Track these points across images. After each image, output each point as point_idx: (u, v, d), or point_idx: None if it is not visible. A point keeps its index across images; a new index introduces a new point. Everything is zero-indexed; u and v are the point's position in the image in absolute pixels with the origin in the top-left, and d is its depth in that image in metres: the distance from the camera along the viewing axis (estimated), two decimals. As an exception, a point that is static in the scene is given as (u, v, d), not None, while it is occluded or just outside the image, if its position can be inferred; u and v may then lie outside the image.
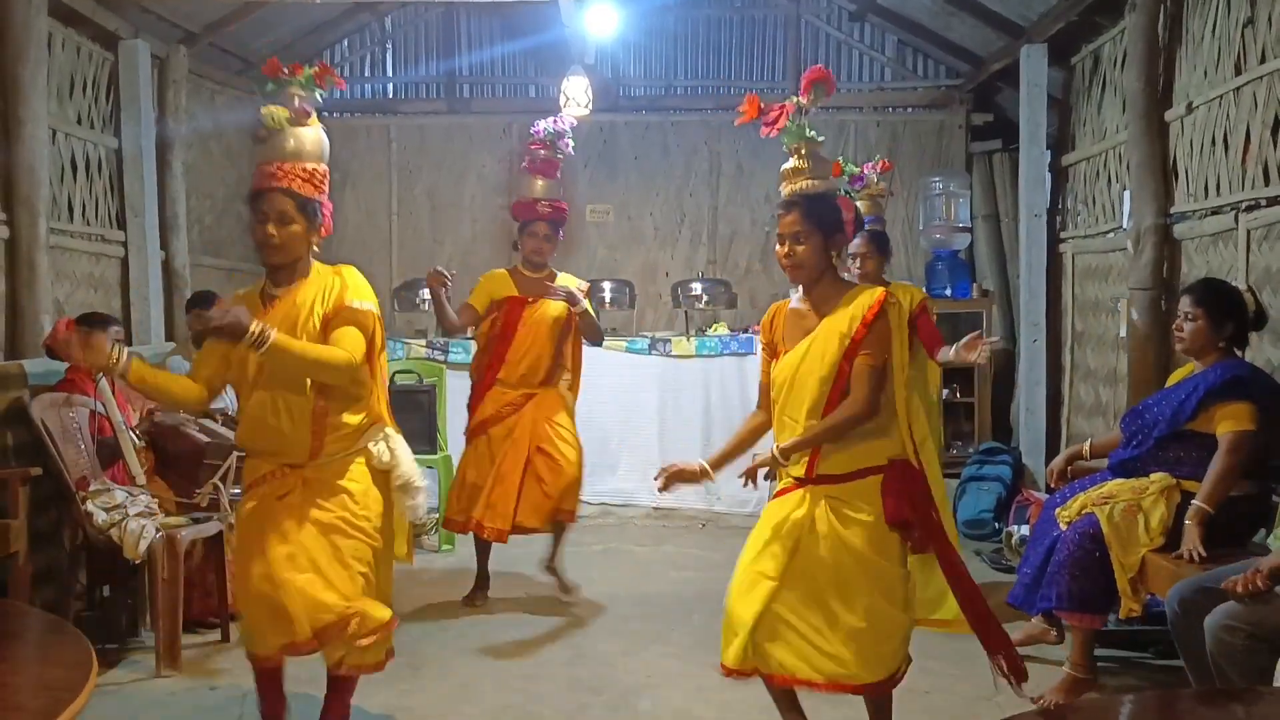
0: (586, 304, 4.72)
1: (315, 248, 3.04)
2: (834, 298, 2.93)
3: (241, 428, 3.09)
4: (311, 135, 3.07)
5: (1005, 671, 2.91)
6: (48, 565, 4.19)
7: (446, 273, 4.48)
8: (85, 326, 4.09)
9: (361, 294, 3.02)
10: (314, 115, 3.11)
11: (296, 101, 3.08)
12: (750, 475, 2.90)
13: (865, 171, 4.81)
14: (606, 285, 7.19)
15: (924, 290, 4.70)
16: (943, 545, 2.92)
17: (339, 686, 3.10)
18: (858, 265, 4.46)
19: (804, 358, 2.89)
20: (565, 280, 4.78)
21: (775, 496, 3.00)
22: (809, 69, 3.16)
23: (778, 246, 2.98)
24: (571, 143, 5.02)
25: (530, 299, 4.69)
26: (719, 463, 3.07)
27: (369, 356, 3.00)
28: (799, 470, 2.91)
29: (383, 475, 3.05)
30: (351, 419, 3.00)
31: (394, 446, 3.07)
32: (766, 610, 2.83)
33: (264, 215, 2.96)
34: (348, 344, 2.90)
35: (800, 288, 3.02)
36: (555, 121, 4.97)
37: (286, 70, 3.12)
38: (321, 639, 2.91)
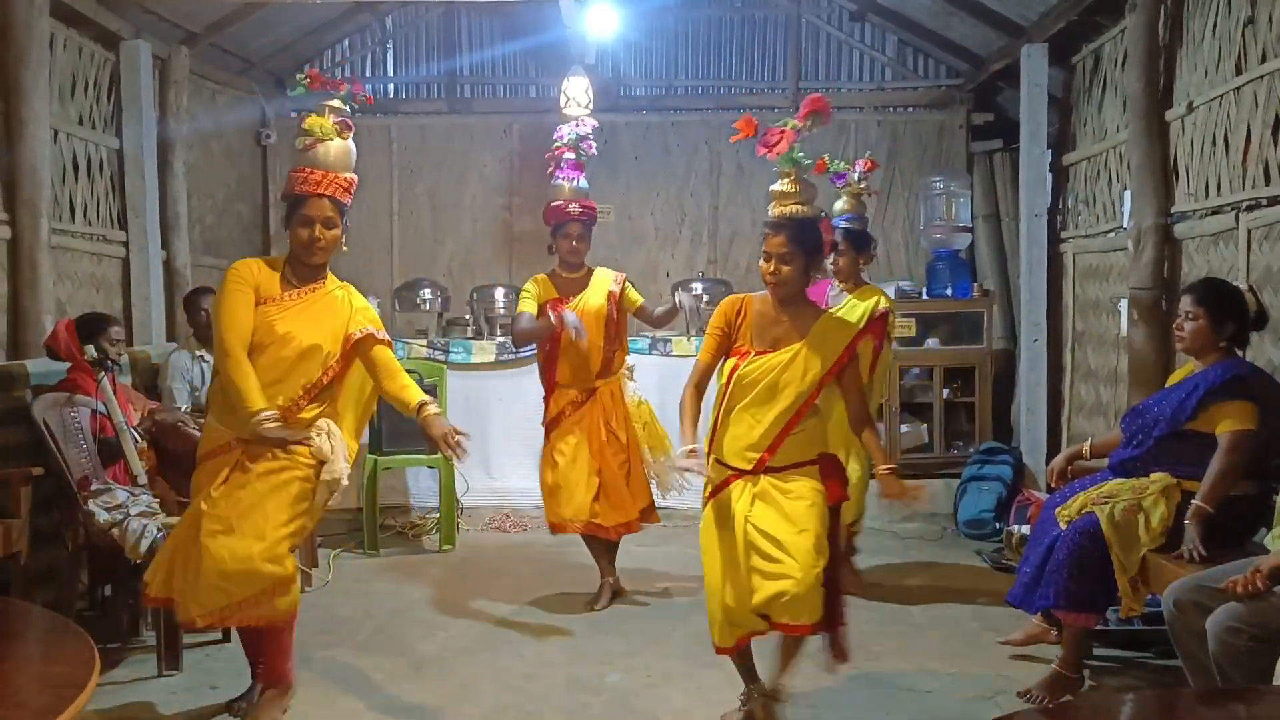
0: (627, 296, 4.86)
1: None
2: (809, 316, 3.26)
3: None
4: (349, 147, 3.46)
5: (831, 646, 3.25)
6: (49, 565, 4.20)
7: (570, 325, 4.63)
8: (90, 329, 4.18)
9: (377, 321, 3.47)
10: (352, 132, 3.47)
11: (333, 116, 3.42)
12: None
13: (852, 170, 4.93)
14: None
15: (890, 299, 4.72)
16: (835, 527, 3.25)
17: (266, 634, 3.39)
18: (832, 262, 4.62)
19: (785, 367, 3.19)
20: (602, 275, 4.89)
21: (713, 494, 3.26)
22: (809, 97, 3.38)
23: (763, 263, 3.26)
24: (594, 143, 5.10)
25: (569, 297, 4.81)
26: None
27: (345, 367, 3.42)
28: (748, 462, 3.20)
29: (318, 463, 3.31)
30: (310, 414, 3.35)
31: (334, 443, 3.33)
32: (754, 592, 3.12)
33: (310, 219, 3.34)
34: (395, 363, 3.46)
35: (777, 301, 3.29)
36: (577, 124, 5.08)
37: (328, 82, 3.52)
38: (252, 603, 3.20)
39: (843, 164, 4.97)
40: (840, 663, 3.30)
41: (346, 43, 8.25)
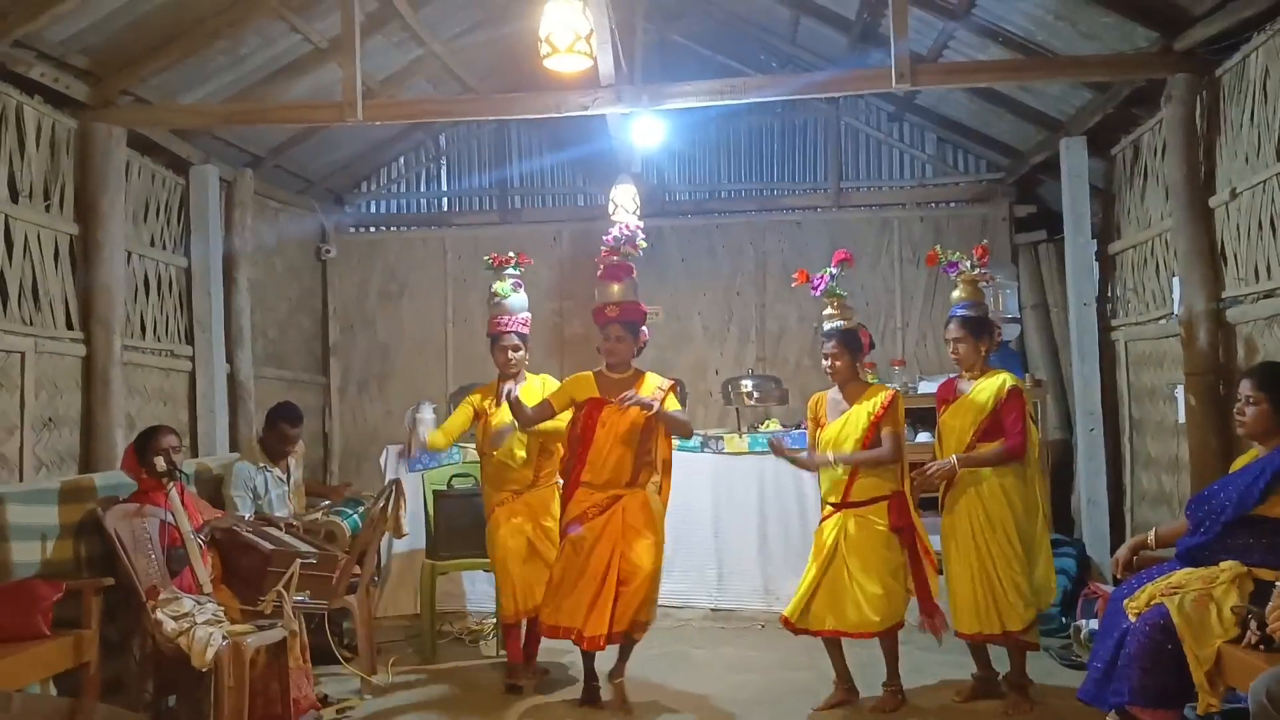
0: (666, 404, 4.68)
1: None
2: (859, 393, 4.68)
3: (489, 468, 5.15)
4: (522, 298, 5.26)
5: (930, 627, 4.55)
6: (117, 675, 4.25)
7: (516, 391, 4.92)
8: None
9: (544, 391, 5.01)
10: (522, 287, 5.26)
11: (511, 281, 5.23)
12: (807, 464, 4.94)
13: (961, 260, 4.89)
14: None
15: (1016, 377, 4.67)
16: (914, 542, 4.54)
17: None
18: (953, 351, 4.70)
19: (843, 427, 4.62)
20: (650, 380, 4.76)
21: (823, 520, 4.66)
22: (837, 251, 5.15)
23: (824, 361, 4.75)
24: (643, 244, 5.13)
25: (609, 400, 4.66)
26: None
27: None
28: (837, 498, 4.58)
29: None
30: (548, 465, 5.05)
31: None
32: (819, 588, 4.53)
33: (504, 348, 5.13)
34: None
35: (838, 386, 4.76)
36: (623, 228, 5.16)
37: (505, 259, 5.34)
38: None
39: (954, 254, 4.91)
40: (937, 633, 4.56)
41: (402, 160, 8.61)
